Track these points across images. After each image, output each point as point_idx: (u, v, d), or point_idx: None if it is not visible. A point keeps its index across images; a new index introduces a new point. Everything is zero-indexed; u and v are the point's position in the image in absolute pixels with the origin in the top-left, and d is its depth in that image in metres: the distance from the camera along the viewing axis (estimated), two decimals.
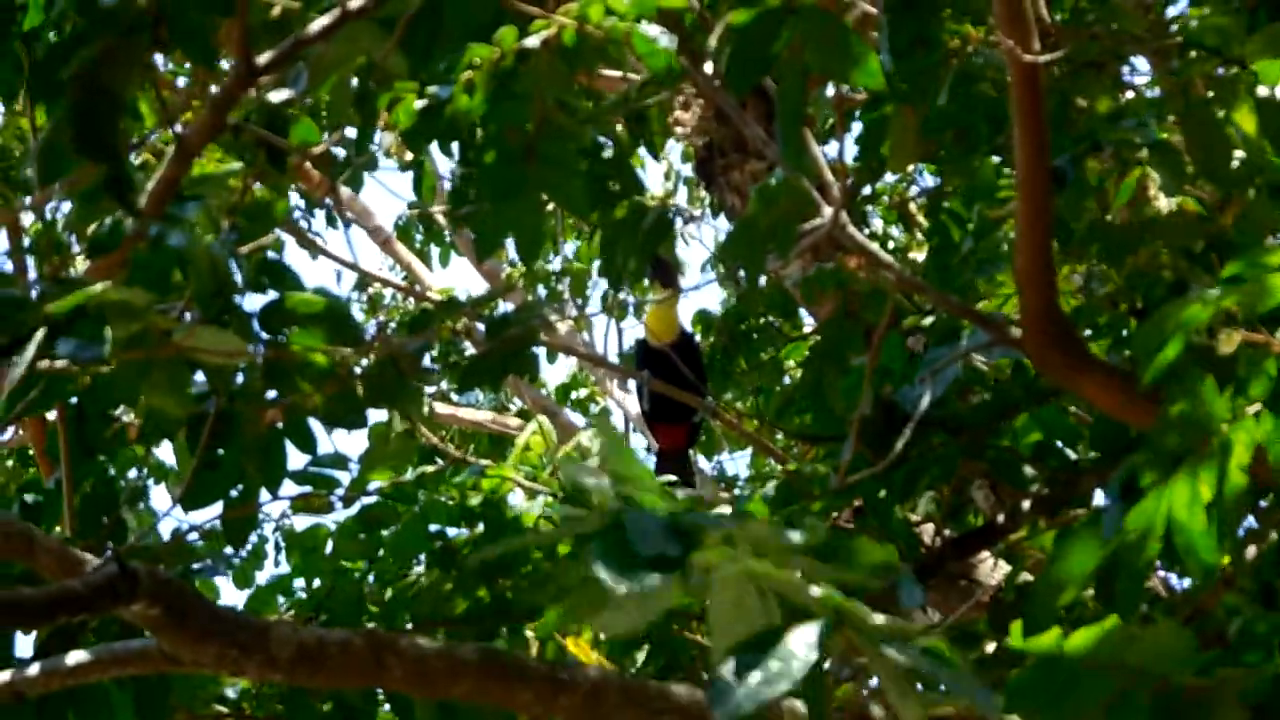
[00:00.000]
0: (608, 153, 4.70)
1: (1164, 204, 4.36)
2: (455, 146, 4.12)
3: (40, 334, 2.92)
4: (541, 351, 4.11)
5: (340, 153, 4.60)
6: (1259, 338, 2.76)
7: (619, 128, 5.37)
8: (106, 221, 3.77)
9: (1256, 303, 2.75)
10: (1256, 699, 2.49)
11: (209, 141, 3.82)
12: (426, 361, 3.65)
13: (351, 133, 4.60)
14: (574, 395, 12.74)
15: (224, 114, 3.69)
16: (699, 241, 19.02)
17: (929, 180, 7.60)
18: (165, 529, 4.58)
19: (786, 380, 8.32)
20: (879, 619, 2.04)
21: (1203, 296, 2.78)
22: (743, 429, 8.65)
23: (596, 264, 12.14)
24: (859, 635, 2.02)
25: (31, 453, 6.98)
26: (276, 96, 3.84)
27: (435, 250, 11.36)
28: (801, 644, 1.96)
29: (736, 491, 7.43)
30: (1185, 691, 2.38)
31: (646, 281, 7.33)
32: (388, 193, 44.44)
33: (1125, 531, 2.67)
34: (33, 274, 5.92)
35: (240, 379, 3.58)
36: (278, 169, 3.92)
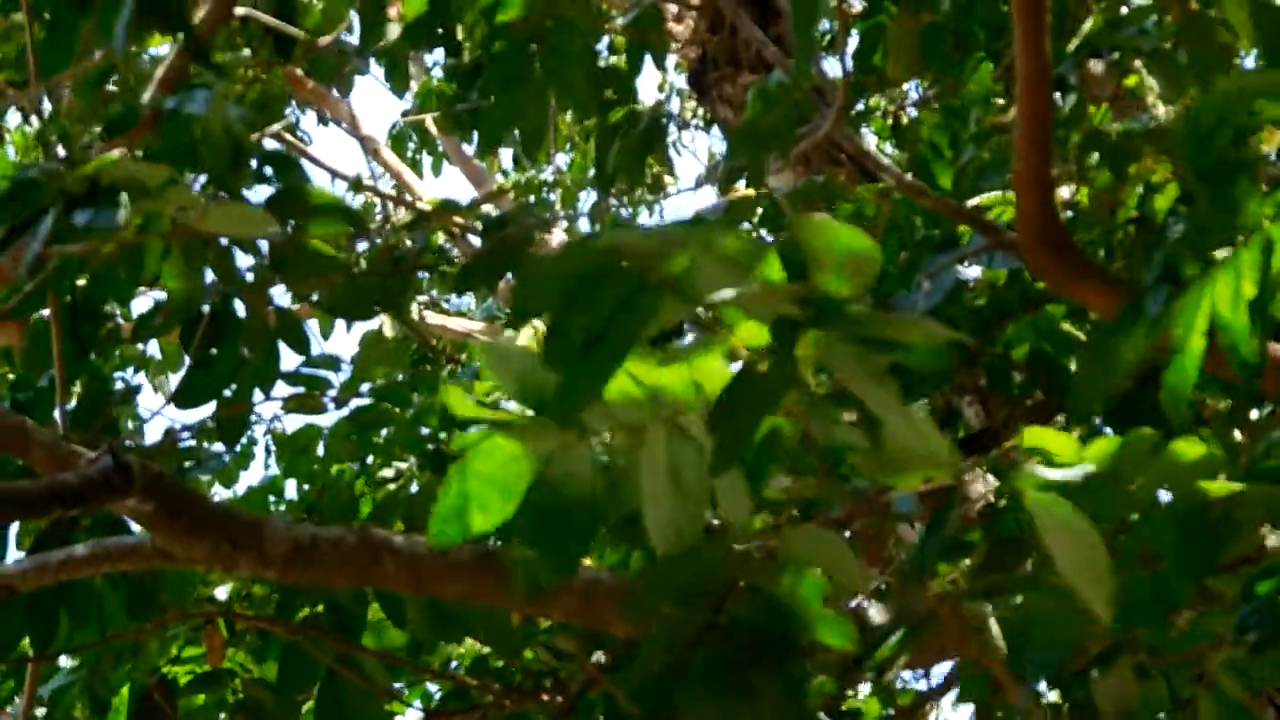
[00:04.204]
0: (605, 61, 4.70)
1: (1162, 112, 4.35)
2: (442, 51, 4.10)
3: (57, 208, 2.88)
4: None
5: (331, 50, 4.58)
6: None
7: (618, 37, 5.36)
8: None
9: None
10: None
11: (217, 29, 3.79)
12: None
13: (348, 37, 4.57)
14: None
15: (233, 2, 3.66)
16: (692, 154, 18.95)
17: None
18: (156, 428, 4.59)
19: None
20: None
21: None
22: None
23: (591, 174, 12.12)
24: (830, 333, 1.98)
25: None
26: None
27: (428, 159, 11.33)
28: None
29: None
30: (1214, 504, 2.34)
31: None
32: (379, 102, 44.24)
33: (1169, 322, 2.59)
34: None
35: (247, 271, 3.56)
36: (285, 58, 3.89)
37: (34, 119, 5.42)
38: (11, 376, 5.60)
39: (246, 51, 3.96)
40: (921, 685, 6.05)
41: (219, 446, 4.35)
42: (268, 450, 8.85)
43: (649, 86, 24.76)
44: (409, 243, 3.49)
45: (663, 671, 2.13)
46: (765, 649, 2.18)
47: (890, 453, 2.12)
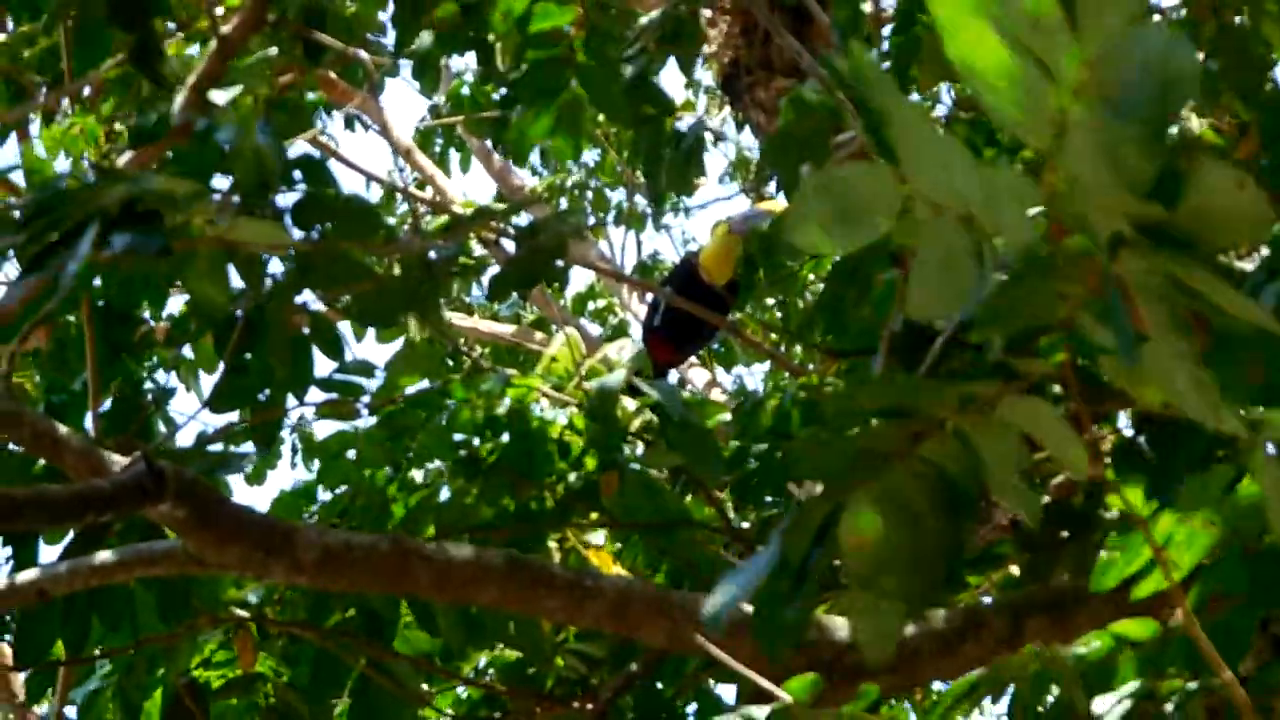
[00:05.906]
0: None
1: (1195, 124, 4.34)
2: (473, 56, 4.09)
3: (94, 229, 2.87)
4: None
5: (365, 55, 4.59)
6: None
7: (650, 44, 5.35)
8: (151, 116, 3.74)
9: None
10: None
11: (249, 36, 3.78)
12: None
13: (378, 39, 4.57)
14: (591, 306, 12.71)
15: (264, 8, 3.65)
16: (722, 154, 18.98)
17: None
18: (189, 431, 4.60)
19: (808, 295, 8.30)
20: None
21: None
22: (762, 345, 8.65)
23: (619, 170, 12.12)
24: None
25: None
26: None
27: (455, 156, 11.33)
28: None
29: None
30: None
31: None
32: (409, 103, 44.26)
33: None
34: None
35: (275, 276, 3.55)
36: (314, 63, 3.88)
37: (61, 119, 5.43)
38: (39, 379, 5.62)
39: (274, 50, 3.95)
40: None
41: (246, 447, 4.36)
42: (294, 449, 8.87)
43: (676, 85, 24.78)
44: (438, 249, 3.48)
45: (839, 472, 2.08)
46: (944, 495, 2.13)
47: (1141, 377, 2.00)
